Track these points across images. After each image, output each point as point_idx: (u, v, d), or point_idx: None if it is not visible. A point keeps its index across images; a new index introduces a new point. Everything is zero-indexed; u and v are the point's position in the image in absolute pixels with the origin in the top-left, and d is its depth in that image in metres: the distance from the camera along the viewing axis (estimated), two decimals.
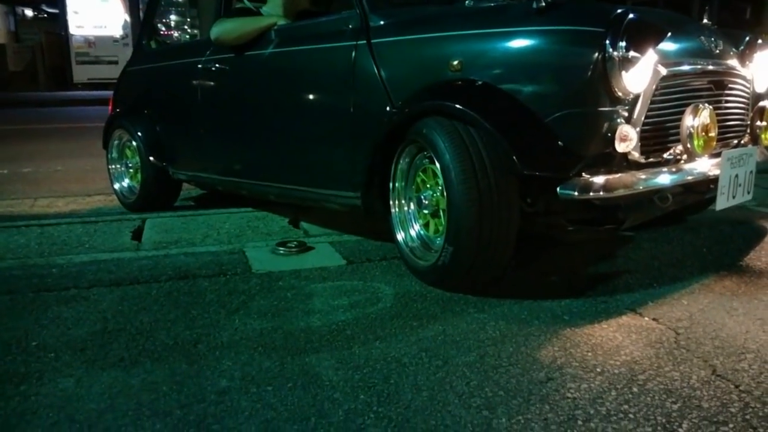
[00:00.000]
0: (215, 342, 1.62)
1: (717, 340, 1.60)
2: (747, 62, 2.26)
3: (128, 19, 14.79)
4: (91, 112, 9.95)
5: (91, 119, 8.29)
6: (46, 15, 23.49)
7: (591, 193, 1.71)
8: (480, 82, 1.88)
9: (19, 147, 6.37)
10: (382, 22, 2.23)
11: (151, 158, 3.26)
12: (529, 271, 2.19)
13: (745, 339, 1.60)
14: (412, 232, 2.12)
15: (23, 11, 24.93)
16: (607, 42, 1.71)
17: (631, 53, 1.72)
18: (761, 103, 2.28)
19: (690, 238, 2.53)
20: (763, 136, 2.26)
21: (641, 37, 1.74)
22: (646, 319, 1.74)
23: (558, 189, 1.73)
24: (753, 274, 2.10)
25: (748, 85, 2.25)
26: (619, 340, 1.60)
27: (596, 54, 1.71)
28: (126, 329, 1.71)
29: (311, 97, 2.47)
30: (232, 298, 1.93)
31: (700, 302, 1.85)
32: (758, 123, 2.26)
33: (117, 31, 14.77)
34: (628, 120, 1.79)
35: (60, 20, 16.20)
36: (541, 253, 2.40)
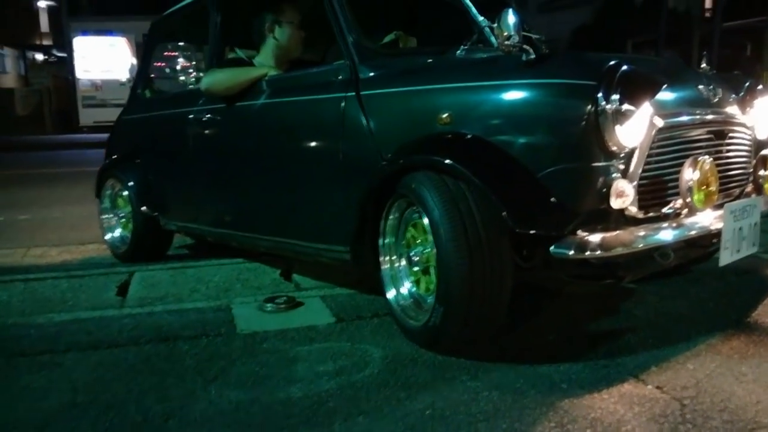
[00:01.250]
0: (187, 417, 1.52)
1: (726, 413, 1.48)
2: (747, 109, 2.18)
3: (135, 62, 15.03)
4: (94, 155, 9.98)
5: (94, 163, 8.28)
6: (55, 59, 24.01)
7: (587, 252, 1.63)
8: (470, 136, 1.82)
9: (19, 192, 6.37)
10: (371, 74, 2.19)
11: (143, 208, 3.22)
12: (526, 328, 2.09)
13: (756, 411, 1.49)
14: (404, 290, 2.03)
15: (33, 56, 25.52)
16: (600, 95, 1.64)
17: (625, 106, 1.64)
18: (764, 152, 2.20)
19: (696, 291, 2.42)
20: (766, 185, 2.18)
21: (635, 89, 1.67)
22: (650, 387, 1.63)
23: (552, 248, 1.65)
24: (762, 332, 1.99)
25: (749, 133, 2.18)
26: (620, 413, 1.49)
27: (588, 107, 1.64)
28: (96, 402, 1.61)
29: (300, 149, 2.42)
30: (211, 363, 1.84)
31: (707, 367, 1.74)
32: (761, 172, 2.18)
33: (124, 75, 15.00)
34: (624, 175, 1.71)
35: (68, 64, 16.50)
36: (539, 307, 2.30)
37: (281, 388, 1.66)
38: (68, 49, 16.23)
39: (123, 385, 1.71)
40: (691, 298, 2.34)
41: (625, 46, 16.58)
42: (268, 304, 2.35)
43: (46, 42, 26.66)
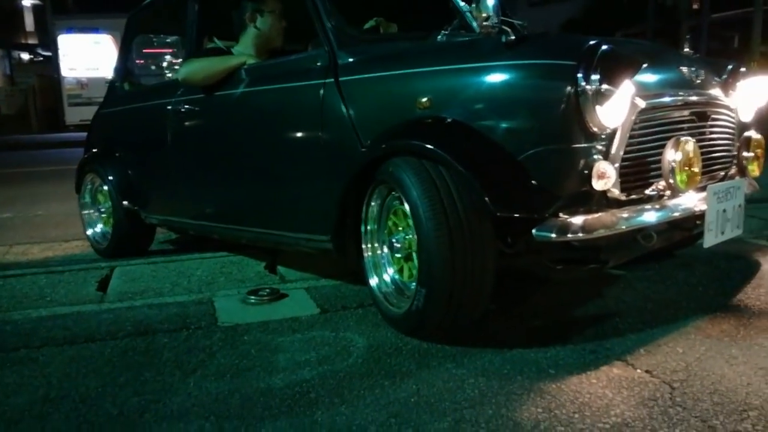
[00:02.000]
0: (164, 410, 1.47)
1: (716, 395, 1.45)
2: (730, 92, 2.17)
3: None
4: (81, 153, 9.89)
5: (78, 161, 8.23)
6: (41, 58, 23.77)
7: (569, 235, 1.61)
8: (449, 120, 1.79)
9: (2, 191, 6.27)
10: (350, 60, 2.15)
11: (124, 202, 3.16)
12: (513, 314, 2.05)
13: (747, 393, 1.46)
14: (386, 277, 2.00)
15: (19, 55, 25.25)
16: (580, 75, 1.61)
17: (605, 86, 1.61)
18: (746, 134, 2.18)
19: (684, 276, 2.40)
20: (750, 167, 2.17)
21: (615, 69, 1.63)
22: (639, 371, 1.59)
23: (534, 231, 1.63)
24: (752, 315, 1.96)
25: (732, 115, 2.17)
26: (609, 397, 1.46)
27: (569, 88, 1.62)
28: (70, 396, 1.56)
29: (280, 137, 2.37)
30: (190, 356, 1.78)
31: (697, 350, 1.71)
32: (744, 153, 2.16)
33: (110, 73, 14.85)
34: (606, 156, 1.68)
35: (53, 63, 16.33)
36: (525, 293, 2.26)
37: (262, 379, 1.62)
38: (53, 47, 16.04)
39: (98, 379, 1.65)
40: (680, 283, 2.31)
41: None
42: (252, 297, 2.30)
43: (32, 41, 26.39)
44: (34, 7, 26.33)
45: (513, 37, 1.74)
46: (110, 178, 3.23)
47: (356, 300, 2.23)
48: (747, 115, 2.25)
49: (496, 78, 1.76)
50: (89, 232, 3.49)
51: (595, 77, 1.61)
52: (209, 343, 1.88)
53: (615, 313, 2.02)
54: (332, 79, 2.13)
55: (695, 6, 17.36)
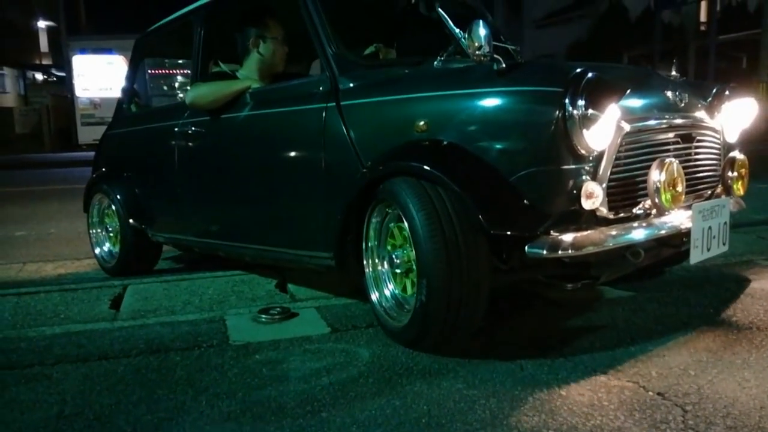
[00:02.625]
0: (177, 429, 1.47)
1: (729, 419, 1.44)
2: (716, 113, 2.25)
3: None
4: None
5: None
6: (54, 78, 24.15)
7: (559, 252, 1.70)
8: (446, 143, 1.89)
9: (15, 209, 6.35)
10: (351, 85, 2.24)
11: (131, 221, 3.22)
12: (524, 336, 2.05)
13: (760, 417, 1.45)
14: (386, 292, 2.07)
15: (33, 75, 25.67)
16: (567, 101, 1.70)
17: (591, 111, 1.70)
18: (731, 154, 2.26)
19: (695, 298, 2.39)
20: (735, 186, 2.24)
21: (601, 95, 1.72)
22: (651, 393, 1.59)
23: (526, 248, 1.72)
24: (764, 338, 1.95)
25: (717, 137, 2.24)
26: (621, 420, 1.45)
27: (557, 113, 1.71)
28: (83, 414, 1.57)
29: (284, 159, 2.46)
30: (203, 375, 1.80)
31: (709, 372, 1.71)
32: (729, 174, 2.24)
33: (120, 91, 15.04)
34: (594, 177, 1.77)
35: (67, 83, 16.58)
36: (536, 315, 2.27)
37: (273, 398, 1.62)
38: (67, 67, 16.32)
39: (112, 397, 1.67)
40: (691, 305, 2.31)
41: (620, 60, 16.67)
42: (263, 315, 2.31)
43: (46, 62, 26.86)
44: (49, 29, 26.85)
45: (504, 65, 1.83)
46: (118, 197, 3.30)
47: (366, 320, 2.24)
48: (732, 136, 2.33)
49: (488, 103, 1.86)
50: (97, 251, 3.55)
51: (581, 103, 1.70)
52: (221, 362, 1.89)
53: (626, 335, 2.02)
54: (334, 103, 2.22)
55: (702, 27, 17.45)
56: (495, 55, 1.86)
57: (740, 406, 1.51)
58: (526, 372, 1.74)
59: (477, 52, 1.87)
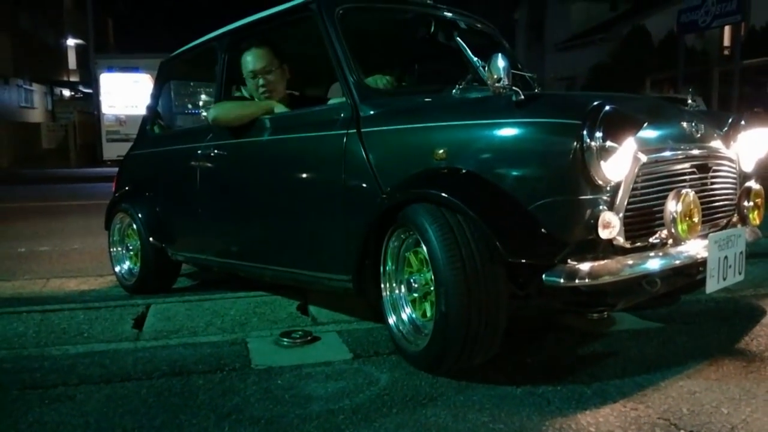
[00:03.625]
0: None
1: None
2: (731, 143, 2.27)
3: None
4: None
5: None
6: (81, 95, 24.66)
7: (576, 281, 1.72)
8: (464, 171, 1.91)
9: (40, 224, 6.45)
10: (371, 112, 2.27)
11: (151, 239, 3.26)
12: (549, 365, 2.02)
13: None
14: (404, 316, 2.09)
15: (61, 92, 26.26)
16: (585, 133, 1.72)
17: (609, 143, 1.72)
18: (747, 184, 2.26)
19: (725, 331, 2.34)
20: (751, 215, 2.23)
21: (618, 127, 1.74)
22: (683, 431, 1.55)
23: (544, 276, 1.74)
24: None
25: (733, 166, 2.25)
26: None
27: (574, 144, 1.73)
28: None
29: (304, 182, 2.49)
30: (225, 399, 1.79)
31: (743, 411, 1.66)
32: (745, 203, 2.23)
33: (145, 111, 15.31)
34: (611, 207, 1.79)
35: (93, 100, 16.92)
36: (563, 347, 2.23)
37: (296, 427, 1.61)
38: (94, 85, 16.65)
39: (135, 420, 1.66)
40: (722, 339, 2.25)
41: (643, 84, 16.60)
42: (285, 339, 2.30)
43: (73, 78, 27.45)
44: (77, 47, 27.50)
45: (522, 97, 1.85)
46: (139, 216, 3.34)
47: (388, 346, 2.21)
48: (748, 166, 2.34)
49: (507, 133, 1.89)
50: (117, 268, 3.58)
51: (599, 135, 1.72)
52: (243, 386, 1.88)
53: (656, 369, 1.97)
54: (354, 130, 2.25)
55: (726, 52, 17.32)
56: (514, 87, 1.89)
57: None
58: (553, 406, 1.71)
59: (496, 84, 1.90)
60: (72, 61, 28.14)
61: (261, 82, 2.80)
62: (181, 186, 3.15)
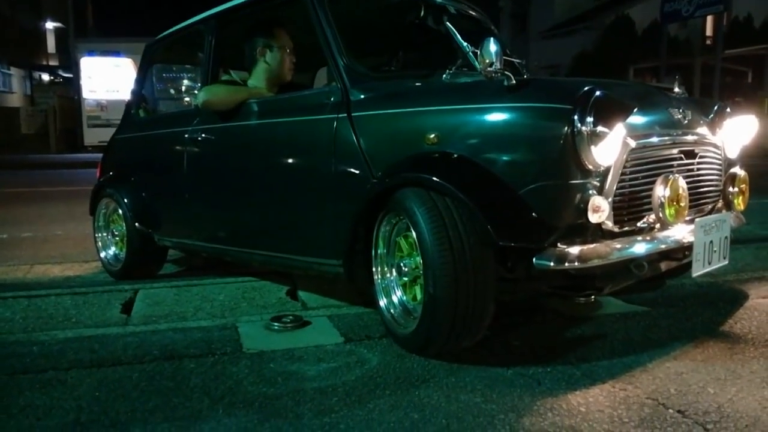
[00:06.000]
0: None
1: None
2: (717, 130, 2.31)
3: None
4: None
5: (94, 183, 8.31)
6: (61, 80, 24.21)
7: (566, 264, 1.74)
8: (456, 155, 1.91)
9: (22, 210, 6.35)
10: (362, 96, 2.26)
11: (137, 224, 3.23)
12: (539, 347, 2.04)
13: None
14: (394, 299, 2.11)
15: (40, 76, 25.75)
16: (575, 118, 1.74)
17: (599, 128, 1.74)
18: (732, 170, 2.31)
19: (710, 314, 2.38)
20: (735, 201, 2.29)
21: (608, 112, 1.76)
22: (671, 411, 1.58)
23: (534, 259, 1.76)
24: None
25: (719, 153, 2.29)
26: None
27: (565, 129, 1.74)
28: (100, 420, 1.56)
29: (294, 167, 2.48)
30: (218, 383, 1.79)
31: (728, 390, 1.70)
32: (730, 189, 2.29)
33: (128, 96, 15.09)
34: (600, 191, 1.81)
35: (74, 84, 16.62)
36: (551, 328, 2.26)
37: (291, 409, 1.61)
38: (75, 69, 16.35)
39: (128, 404, 1.66)
40: (706, 322, 2.30)
41: (626, 73, 16.71)
42: (275, 323, 2.30)
43: (53, 63, 26.94)
44: (57, 30, 26.97)
45: (514, 81, 1.86)
46: (125, 201, 3.30)
47: (379, 330, 2.23)
48: (733, 152, 2.38)
49: (499, 118, 1.90)
50: (102, 254, 3.55)
51: (589, 120, 1.73)
52: (236, 370, 1.88)
53: (643, 351, 2.01)
54: (345, 114, 2.24)
55: (708, 42, 17.49)
56: (505, 72, 1.89)
57: (762, 426, 1.49)
58: (544, 386, 1.73)
59: (488, 69, 1.91)
60: (51, 45, 27.60)
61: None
62: (168, 170, 3.12)
